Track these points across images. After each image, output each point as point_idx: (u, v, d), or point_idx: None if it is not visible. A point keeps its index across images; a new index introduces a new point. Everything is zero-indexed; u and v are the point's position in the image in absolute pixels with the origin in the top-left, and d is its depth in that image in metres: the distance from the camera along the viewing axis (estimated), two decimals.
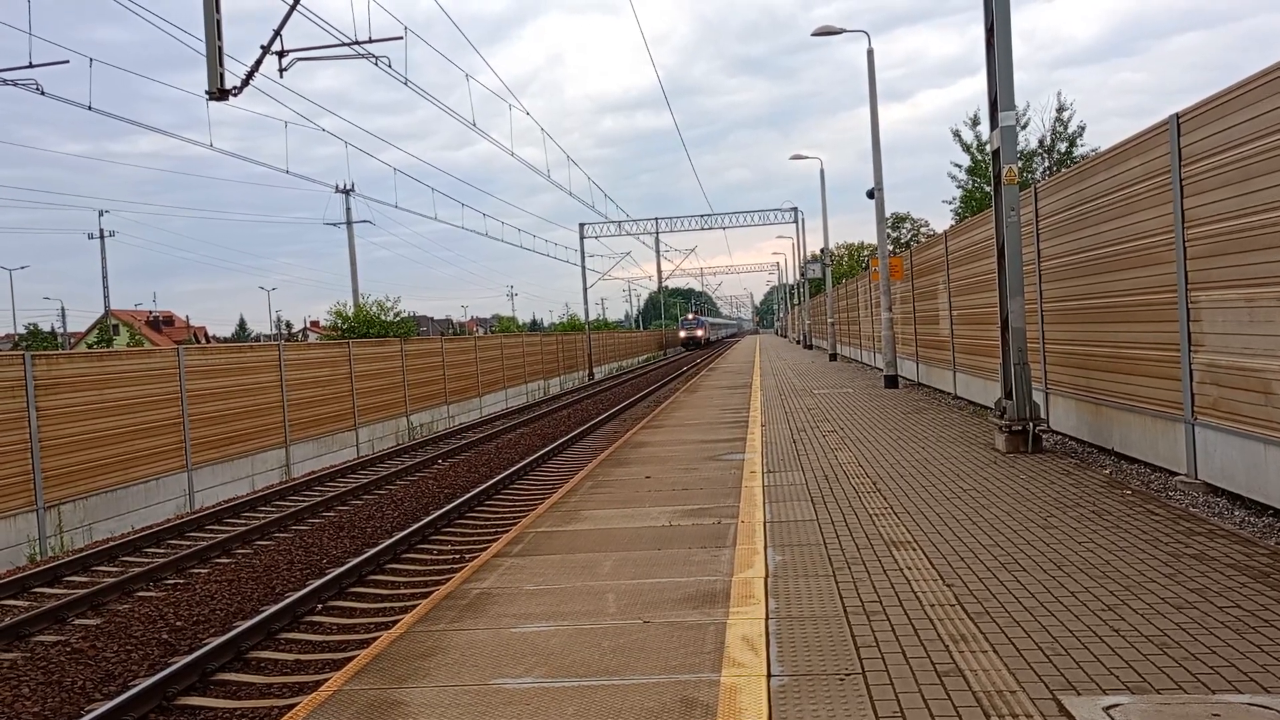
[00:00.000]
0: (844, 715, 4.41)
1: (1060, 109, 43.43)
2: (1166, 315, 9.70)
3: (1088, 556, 6.89)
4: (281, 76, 17.65)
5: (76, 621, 10.23)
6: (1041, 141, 43.50)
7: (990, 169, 12.55)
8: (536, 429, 27.66)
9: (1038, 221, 13.56)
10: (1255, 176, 7.95)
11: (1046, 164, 42.95)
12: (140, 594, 11.24)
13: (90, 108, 18.95)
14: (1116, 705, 4.31)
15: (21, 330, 75.00)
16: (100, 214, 74.77)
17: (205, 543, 13.58)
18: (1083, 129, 43.03)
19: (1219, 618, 5.40)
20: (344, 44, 18.86)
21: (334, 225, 50.33)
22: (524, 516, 11.75)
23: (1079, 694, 4.48)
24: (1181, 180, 9.24)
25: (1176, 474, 9.75)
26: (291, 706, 6.93)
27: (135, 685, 7.91)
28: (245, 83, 16.66)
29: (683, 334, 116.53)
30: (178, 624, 9.88)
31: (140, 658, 8.96)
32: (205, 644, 9.00)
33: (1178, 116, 9.31)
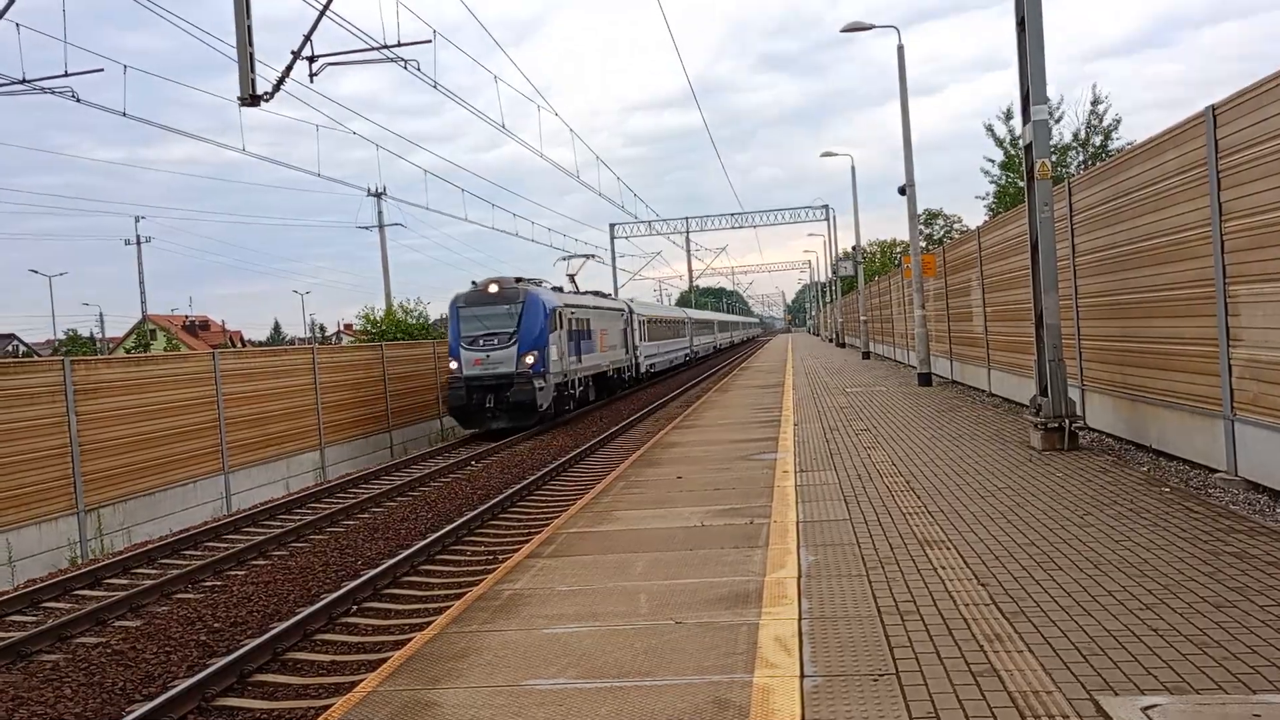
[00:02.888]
0: (878, 716, 4.39)
1: (1095, 102, 43.03)
2: (1204, 310, 9.57)
3: (1125, 555, 6.81)
4: (312, 81, 17.77)
5: (117, 623, 10.36)
6: (1076, 135, 43.10)
7: (1023, 164, 12.44)
8: (569, 430, 27.68)
9: (1072, 216, 13.41)
10: None
11: (1081, 158, 42.52)
12: (179, 596, 11.37)
13: (125, 114, 19.15)
14: (1155, 706, 4.25)
15: (61, 336, 76.13)
16: (136, 220, 75.80)
17: (242, 545, 13.71)
18: (1118, 122, 42.63)
19: (1260, 616, 5.31)
20: (373, 48, 18.97)
21: (366, 228, 50.57)
22: (556, 517, 11.77)
23: (1117, 694, 4.43)
24: (1218, 172, 9.11)
25: (1216, 471, 9.62)
26: (327, 707, 6.98)
27: (174, 686, 8.00)
28: (276, 88, 16.80)
29: (456, 364, 26.83)
30: (216, 625, 9.98)
31: (179, 659, 9.05)
32: (243, 645, 9.08)
33: (1213, 108, 9.18)
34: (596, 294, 39.23)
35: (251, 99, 15.83)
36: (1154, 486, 9.21)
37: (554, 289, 30.83)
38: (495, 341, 26.56)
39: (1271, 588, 5.82)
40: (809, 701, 4.61)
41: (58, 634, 9.88)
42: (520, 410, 26.18)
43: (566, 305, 29.87)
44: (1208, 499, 8.62)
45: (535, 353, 26.53)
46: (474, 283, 28.46)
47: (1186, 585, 6.00)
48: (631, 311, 42.84)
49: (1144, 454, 11.45)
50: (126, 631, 9.95)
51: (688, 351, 62.35)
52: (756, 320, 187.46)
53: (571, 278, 38.40)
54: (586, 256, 41.57)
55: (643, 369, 44.46)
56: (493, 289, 27.39)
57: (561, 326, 28.55)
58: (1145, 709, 4.22)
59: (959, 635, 5.40)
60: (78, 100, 18.11)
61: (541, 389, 26.36)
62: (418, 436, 29.39)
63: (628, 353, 41.02)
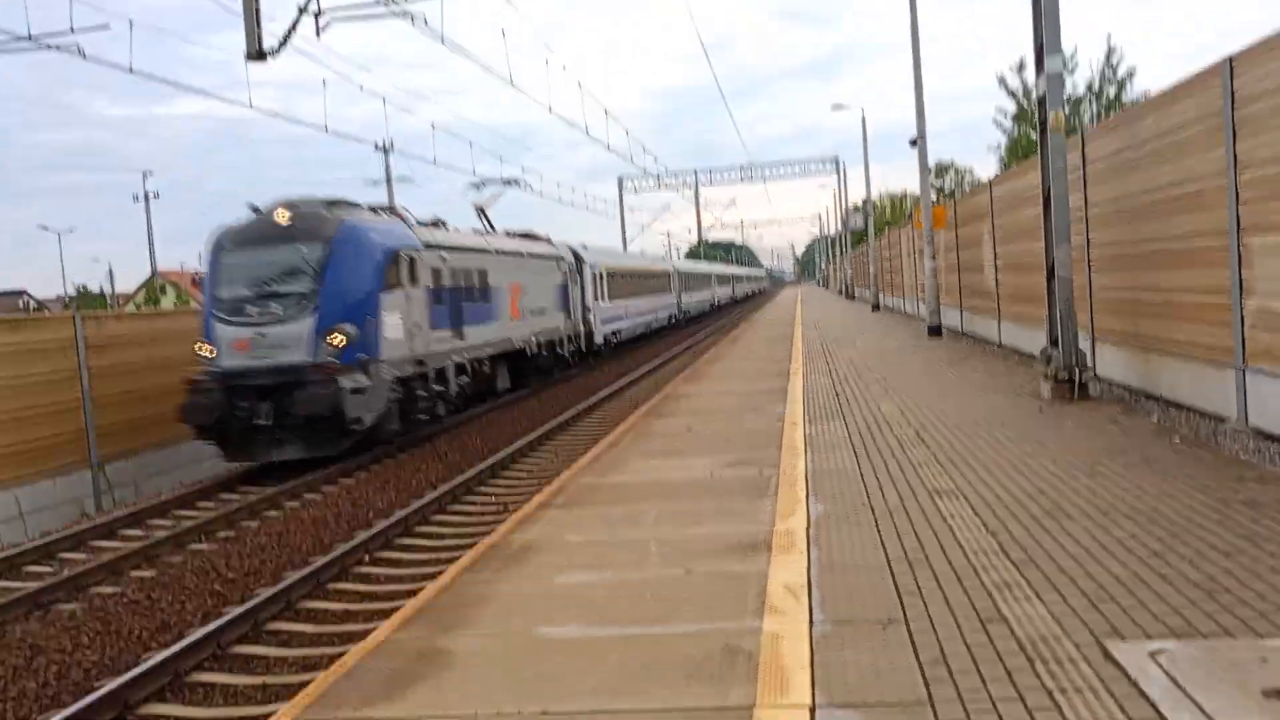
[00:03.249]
0: (887, 662, 4.43)
1: (1109, 53, 42.37)
2: (1217, 260, 9.50)
3: (1134, 503, 6.83)
4: (319, 36, 17.65)
5: (132, 574, 10.48)
6: (1090, 86, 42.51)
7: (1036, 115, 12.32)
8: (577, 384, 27.71)
9: (1085, 167, 13.28)
10: None
11: (1095, 109, 42.01)
12: (193, 547, 11.48)
13: (131, 70, 18.97)
14: (1163, 651, 4.28)
15: (71, 292, 76.31)
16: (145, 175, 75.55)
17: (254, 496, 13.81)
18: (1132, 73, 41.97)
19: (1268, 563, 5.34)
20: (380, 2, 18.77)
21: (374, 183, 50.33)
22: (566, 469, 11.84)
23: (1125, 640, 4.46)
24: (1234, 123, 9.01)
25: (1226, 420, 9.60)
26: (341, 654, 7.07)
27: (191, 634, 8.11)
28: (283, 43, 16.70)
29: (211, 349, 15.70)
30: (229, 575, 10.09)
31: (194, 608, 9.16)
32: (257, 595, 9.19)
33: (1230, 59, 9.06)
34: (526, 236, 28.12)
35: (258, 54, 15.75)
36: (1163, 436, 9.22)
37: (430, 224, 20.45)
38: (277, 310, 15.57)
39: None
40: (818, 648, 4.65)
41: (74, 584, 10.01)
42: (318, 430, 15.26)
43: (431, 246, 18.79)
44: (1217, 448, 8.63)
45: (350, 327, 15.52)
46: (255, 209, 16.83)
47: (1195, 533, 6.02)
48: (580, 260, 31.31)
49: (1154, 404, 11.42)
50: (142, 581, 10.07)
51: (674, 313, 51.48)
52: (763, 273, 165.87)
53: (481, 212, 26.59)
54: (507, 183, 29.69)
55: (599, 339, 32.90)
56: (281, 218, 16.07)
57: (416, 282, 17.66)
58: (1153, 654, 4.26)
59: (968, 583, 5.44)
60: (84, 57, 17.99)
61: (359, 391, 15.38)
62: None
63: (570, 318, 29.51)
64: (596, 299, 32.94)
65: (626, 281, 39.24)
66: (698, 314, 62.54)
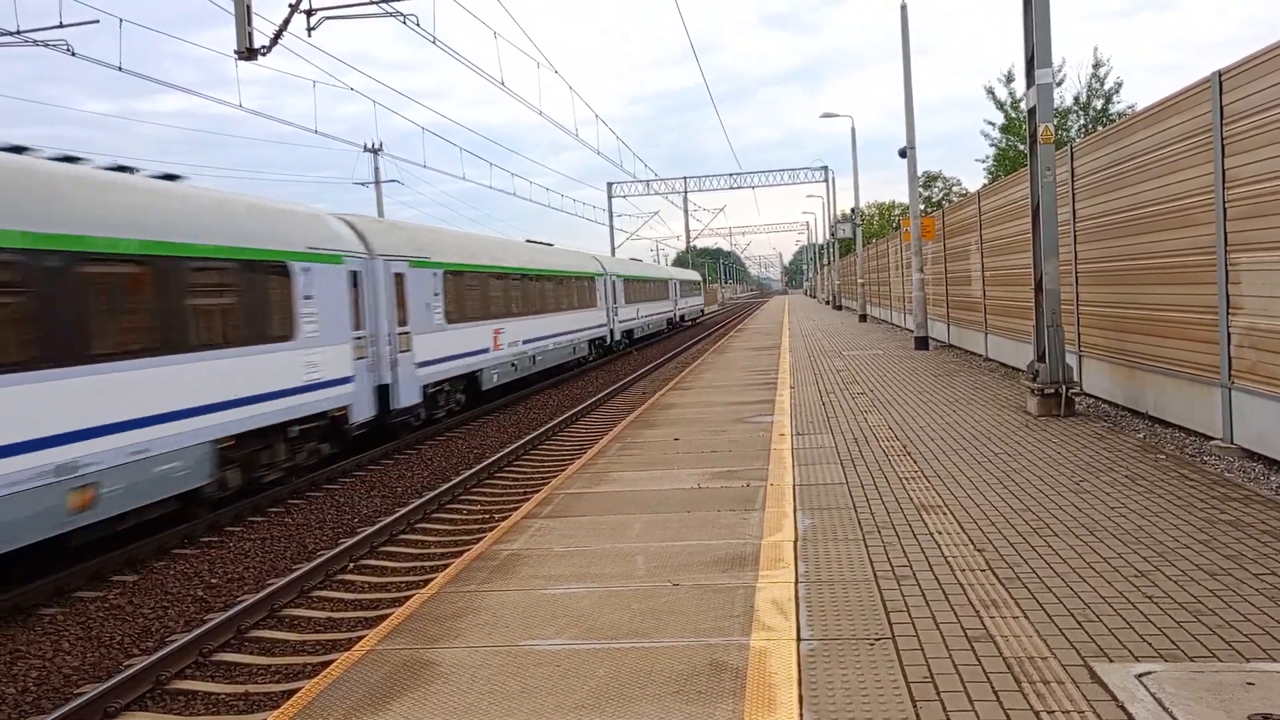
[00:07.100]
0: (874, 680, 4.42)
1: (1097, 65, 42.66)
2: (1205, 277, 9.55)
3: (1120, 522, 6.84)
4: (310, 35, 17.56)
5: (115, 578, 10.38)
6: (1077, 99, 42.78)
7: (1025, 127, 12.36)
8: (564, 391, 27.67)
9: (1073, 181, 13.35)
10: None
11: (1082, 122, 42.24)
12: (176, 551, 11.39)
13: (120, 68, 18.85)
14: (1149, 673, 4.28)
15: None
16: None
17: (240, 502, 13.70)
18: (1119, 85, 42.29)
19: (1254, 585, 5.35)
20: (373, 2, 18.71)
21: (363, 185, 50.12)
22: (553, 478, 11.79)
23: (1111, 661, 4.46)
24: (1223, 139, 9.05)
25: (1212, 439, 9.64)
26: (326, 664, 7.02)
27: (172, 641, 8.04)
28: (274, 42, 16.59)
29: None
30: (213, 581, 10.02)
31: (176, 614, 9.09)
32: (240, 601, 9.12)
33: (1220, 74, 9.11)
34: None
35: (249, 53, 15.65)
36: (1149, 453, 9.24)
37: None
38: None
39: (1266, 556, 5.85)
40: (805, 664, 4.64)
41: (55, 588, 9.91)
42: None
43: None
44: (1203, 466, 8.65)
45: None
46: None
47: (1181, 553, 6.03)
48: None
49: (1140, 421, 11.47)
50: (125, 586, 9.98)
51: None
52: (753, 283, 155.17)
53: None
54: None
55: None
56: None
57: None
58: (1139, 676, 4.26)
59: (955, 600, 5.43)
60: (73, 54, 17.84)
61: None
62: None
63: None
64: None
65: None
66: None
